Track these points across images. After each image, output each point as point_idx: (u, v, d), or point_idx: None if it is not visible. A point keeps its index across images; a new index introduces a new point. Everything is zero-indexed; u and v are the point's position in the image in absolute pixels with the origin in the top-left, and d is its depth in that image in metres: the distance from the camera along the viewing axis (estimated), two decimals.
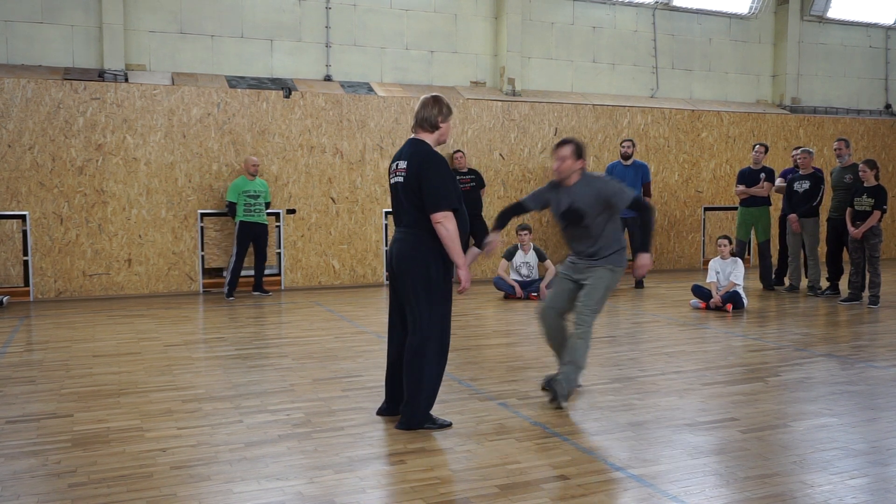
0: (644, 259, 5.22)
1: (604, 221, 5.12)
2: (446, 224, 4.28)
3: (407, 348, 4.46)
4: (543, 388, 5.18)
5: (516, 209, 5.50)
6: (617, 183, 5.18)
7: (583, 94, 12.94)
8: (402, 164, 4.42)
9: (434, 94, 4.58)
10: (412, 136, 4.56)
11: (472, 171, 11.16)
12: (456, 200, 4.36)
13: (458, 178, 10.92)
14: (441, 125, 4.49)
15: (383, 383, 5.41)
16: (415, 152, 4.41)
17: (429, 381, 4.44)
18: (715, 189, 13.41)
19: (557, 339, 5.30)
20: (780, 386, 5.48)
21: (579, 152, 5.08)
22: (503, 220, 5.41)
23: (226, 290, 9.94)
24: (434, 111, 4.46)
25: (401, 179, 4.41)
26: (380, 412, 4.75)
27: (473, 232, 11.06)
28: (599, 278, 5.12)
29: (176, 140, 10.21)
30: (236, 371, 5.93)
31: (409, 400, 4.45)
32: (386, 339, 4.76)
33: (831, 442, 4.23)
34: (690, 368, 5.98)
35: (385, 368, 4.78)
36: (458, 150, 11.16)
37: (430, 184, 4.29)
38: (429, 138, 4.50)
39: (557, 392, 4.89)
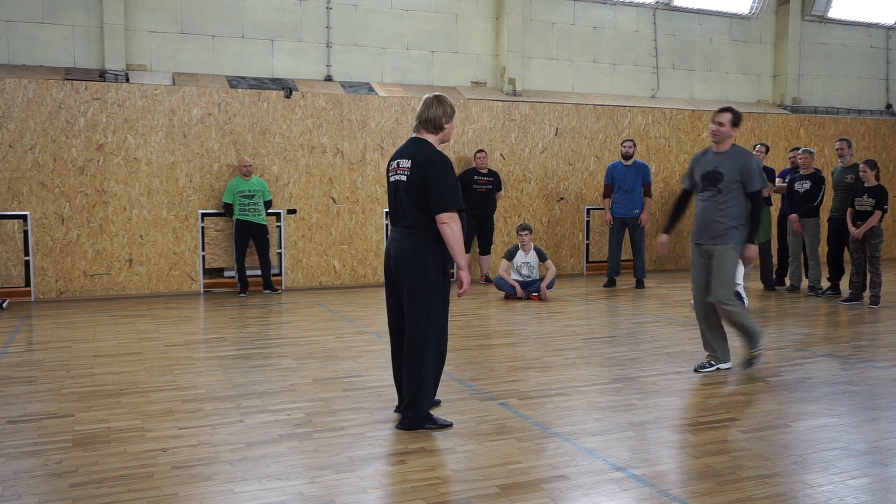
0: (750, 250, 5.70)
1: (735, 194, 5.58)
2: (452, 225, 4.27)
3: (405, 349, 4.46)
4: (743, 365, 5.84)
5: (685, 196, 6.03)
6: (759, 167, 5.62)
7: (583, 94, 12.94)
8: (405, 163, 4.39)
9: (436, 93, 4.53)
10: (414, 135, 4.53)
11: (491, 173, 11.11)
12: (461, 201, 4.35)
13: (476, 178, 10.88)
14: (445, 126, 4.47)
15: (384, 384, 5.45)
16: (419, 152, 4.38)
17: (428, 382, 4.45)
18: None
19: (709, 320, 5.86)
20: (780, 386, 5.48)
21: (736, 121, 5.62)
22: (678, 215, 6.06)
23: (238, 287, 10.30)
24: (438, 111, 4.43)
25: (403, 178, 4.38)
26: (397, 410, 4.74)
27: (481, 233, 11.06)
28: (725, 258, 5.61)
29: (177, 140, 10.22)
30: (237, 371, 5.93)
31: (409, 401, 4.45)
32: (388, 339, 4.76)
33: (832, 442, 4.23)
34: (691, 368, 5.97)
35: (391, 370, 4.79)
36: (481, 150, 11.11)
37: (436, 185, 4.27)
38: (432, 138, 4.48)
39: (752, 363, 5.82)
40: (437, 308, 4.42)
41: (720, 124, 5.62)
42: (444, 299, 4.47)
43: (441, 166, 4.32)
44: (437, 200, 4.27)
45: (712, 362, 5.93)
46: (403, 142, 4.77)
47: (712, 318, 5.89)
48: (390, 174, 4.51)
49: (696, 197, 5.88)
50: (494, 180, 11.12)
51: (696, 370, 5.89)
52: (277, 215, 10.67)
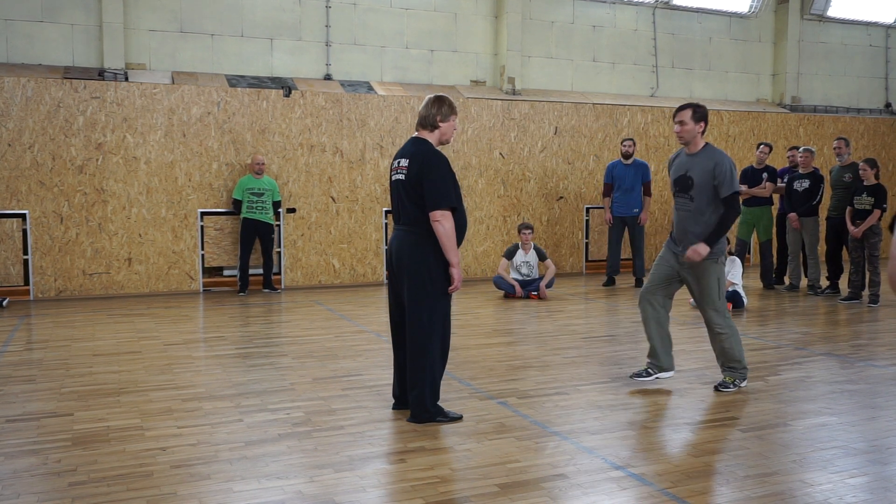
0: (700, 247, 5.04)
1: (709, 200, 5.13)
2: (444, 222, 4.36)
3: (409, 346, 4.53)
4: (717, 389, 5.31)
5: None
6: (731, 170, 5.09)
7: (583, 93, 12.94)
8: (404, 162, 4.50)
9: (438, 94, 4.66)
10: (415, 134, 4.64)
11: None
12: (455, 199, 4.43)
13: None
14: (441, 124, 4.56)
15: (384, 382, 5.45)
16: (416, 151, 4.49)
17: (434, 375, 4.54)
18: None
19: (656, 328, 5.40)
20: (779, 385, 5.48)
21: (698, 115, 5.16)
22: None
23: (238, 285, 10.29)
24: (433, 110, 4.54)
25: (402, 177, 4.48)
26: (394, 407, 4.82)
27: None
28: (707, 275, 5.17)
29: (176, 139, 10.21)
30: (236, 370, 5.93)
31: (418, 395, 4.52)
32: (387, 338, 4.76)
33: (831, 441, 4.23)
34: (690, 367, 5.97)
35: (392, 367, 4.83)
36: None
37: (430, 182, 4.37)
38: (430, 137, 4.58)
39: (725, 387, 5.26)
40: (440, 303, 4.51)
41: (682, 123, 5.17)
42: (446, 294, 4.55)
43: (436, 164, 4.42)
44: (430, 198, 4.37)
45: (650, 371, 5.46)
46: (403, 141, 4.83)
47: (661, 322, 5.41)
48: (392, 173, 4.62)
49: (673, 197, 5.43)
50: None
51: (631, 377, 5.50)
52: (277, 214, 10.67)
